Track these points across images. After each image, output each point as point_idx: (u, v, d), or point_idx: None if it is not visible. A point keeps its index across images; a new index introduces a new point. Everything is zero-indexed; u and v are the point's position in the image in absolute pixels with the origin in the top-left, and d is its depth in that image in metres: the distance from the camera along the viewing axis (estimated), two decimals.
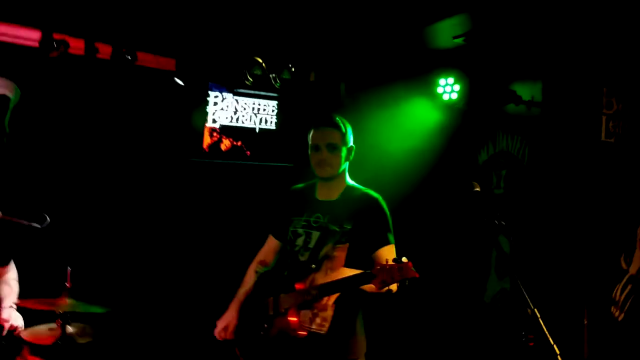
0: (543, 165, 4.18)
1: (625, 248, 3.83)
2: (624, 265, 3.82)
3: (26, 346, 2.96)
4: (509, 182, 4.54)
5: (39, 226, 2.86)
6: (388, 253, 2.51)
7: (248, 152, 4.94)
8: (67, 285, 3.08)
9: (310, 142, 2.76)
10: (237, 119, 4.88)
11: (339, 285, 2.45)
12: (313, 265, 2.59)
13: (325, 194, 2.78)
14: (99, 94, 4.09)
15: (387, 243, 2.62)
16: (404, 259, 2.23)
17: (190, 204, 4.59)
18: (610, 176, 3.85)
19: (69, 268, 3.23)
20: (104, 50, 3.82)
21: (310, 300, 2.50)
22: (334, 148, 2.69)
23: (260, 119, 4.99)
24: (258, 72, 4.36)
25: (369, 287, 2.36)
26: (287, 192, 2.96)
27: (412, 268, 2.21)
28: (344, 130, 2.74)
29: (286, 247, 2.83)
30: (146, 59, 4.13)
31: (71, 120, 4.04)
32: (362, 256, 2.59)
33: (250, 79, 4.38)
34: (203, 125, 4.68)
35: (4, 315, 3.00)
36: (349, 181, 2.80)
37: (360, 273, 2.37)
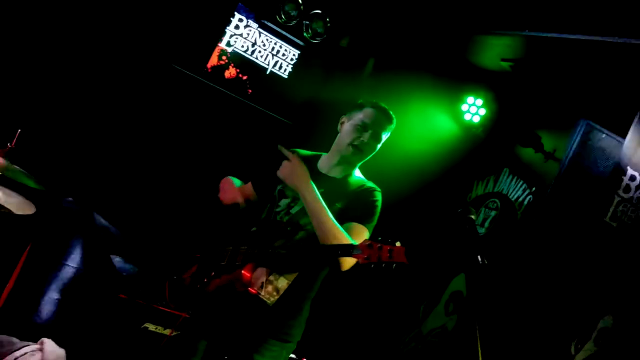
0: (534, 224, 4.02)
1: (580, 335, 3.75)
2: (572, 351, 3.75)
3: None
4: (494, 227, 4.39)
5: None
6: (358, 232, 2.43)
7: (250, 90, 4.69)
8: (10, 145, 2.85)
9: (355, 118, 2.60)
10: (253, 52, 4.62)
11: (317, 250, 2.36)
12: (289, 228, 2.47)
13: (328, 168, 2.66)
14: None
15: (363, 224, 2.50)
16: (398, 243, 2.10)
17: (170, 119, 4.35)
18: (596, 259, 3.71)
19: (19, 130, 3.01)
20: None
21: (274, 259, 2.38)
22: (378, 139, 2.59)
23: (276, 62, 4.73)
24: (293, 12, 4.11)
25: (348, 260, 2.27)
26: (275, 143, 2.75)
27: (405, 254, 2.07)
28: (393, 127, 2.64)
29: (265, 204, 2.68)
30: None
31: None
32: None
33: (283, 17, 4.13)
34: (215, 44, 4.41)
35: None
36: (356, 169, 2.69)
37: (346, 244, 2.25)
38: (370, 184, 2.63)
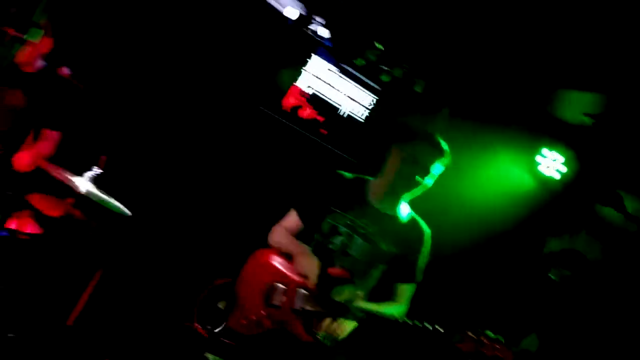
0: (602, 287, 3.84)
1: None
2: None
3: (30, 210, 2.95)
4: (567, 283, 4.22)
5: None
6: (407, 291, 2.53)
7: (324, 131, 4.81)
8: (98, 170, 3.05)
9: (406, 149, 2.53)
10: (330, 94, 4.75)
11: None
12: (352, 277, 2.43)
13: (377, 199, 2.60)
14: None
15: (414, 281, 2.58)
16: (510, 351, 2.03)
17: (240, 152, 4.50)
18: None
19: (104, 156, 3.23)
20: None
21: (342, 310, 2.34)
22: (428, 173, 2.52)
23: (352, 105, 4.85)
24: (372, 57, 4.22)
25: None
26: (330, 175, 2.74)
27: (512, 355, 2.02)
28: (446, 161, 2.57)
29: (313, 235, 2.64)
30: None
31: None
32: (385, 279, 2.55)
33: (362, 61, 4.25)
34: (291, 83, 4.58)
35: None
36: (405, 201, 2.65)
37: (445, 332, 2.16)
38: (422, 223, 2.61)
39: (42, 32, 3.00)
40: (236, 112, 4.46)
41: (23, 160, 3.12)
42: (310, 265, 2.42)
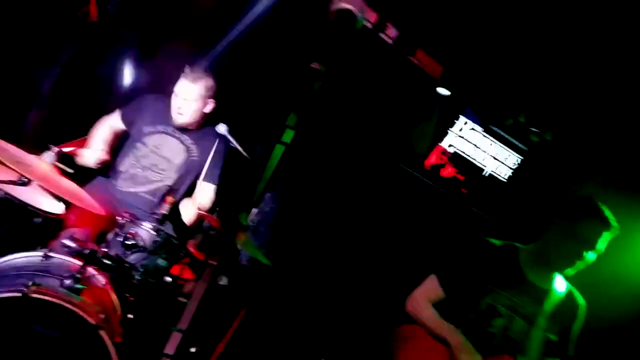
0: None
1: None
2: None
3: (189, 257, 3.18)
4: None
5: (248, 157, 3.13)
6: None
7: (464, 190, 4.73)
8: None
9: (571, 227, 2.41)
10: (473, 154, 4.69)
11: None
12: None
13: (535, 274, 2.49)
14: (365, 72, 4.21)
15: (566, 355, 2.47)
16: None
17: (379, 209, 4.55)
18: None
19: (255, 209, 3.44)
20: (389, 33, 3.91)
21: None
22: (596, 251, 2.40)
23: (495, 165, 4.74)
24: (522, 119, 4.13)
25: None
26: (480, 245, 2.61)
27: None
28: (614, 234, 2.43)
29: (467, 314, 2.52)
30: (419, 57, 4.14)
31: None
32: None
33: (510, 120, 4.17)
34: (435, 143, 4.58)
35: None
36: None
37: None
38: (576, 295, 2.49)
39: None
40: (377, 169, 4.53)
41: (187, 211, 3.38)
42: None
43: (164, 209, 2.71)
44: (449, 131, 4.60)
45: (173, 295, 2.79)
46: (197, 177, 3.40)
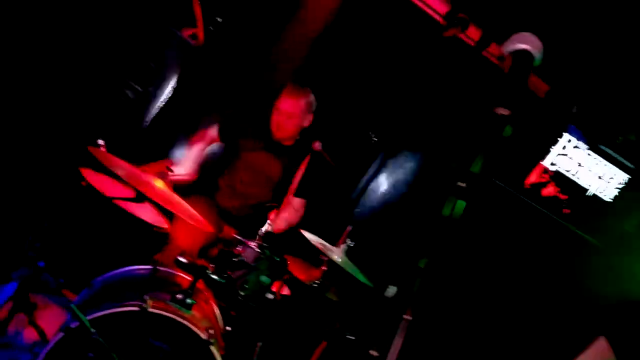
0: None
1: None
2: None
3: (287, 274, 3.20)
4: None
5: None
6: None
7: (566, 211, 4.52)
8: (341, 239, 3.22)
9: None
10: (576, 173, 4.48)
11: None
12: None
13: None
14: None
15: None
16: None
17: (482, 231, 4.42)
18: None
19: (349, 226, 3.41)
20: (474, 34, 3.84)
21: None
22: None
23: (600, 185, 4.50)
24: (632, 137, 3.91)
25: None
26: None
27: None
28: None
29: None
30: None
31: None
32: None
33: (620, 138, 3.96)
34: (537, 162, 4.42)
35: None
36: None
37: None
38: None
39: None
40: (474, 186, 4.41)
41: (278, 224, 3.43)
42: None
43: (267, 227, 2.75)
44: (551, 149, 4.42)
45: (274, 311, 2.81)
46: (288, 192, 3.45)
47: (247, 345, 3.23)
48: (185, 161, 3.57)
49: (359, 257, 3.26)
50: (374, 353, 3.00)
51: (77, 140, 3.33)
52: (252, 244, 2.70)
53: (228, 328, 2.93)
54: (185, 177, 3.48)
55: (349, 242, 3.18)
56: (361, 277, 3.13)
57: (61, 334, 2.15)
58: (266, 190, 3.58)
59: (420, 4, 3.86)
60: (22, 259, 2.61)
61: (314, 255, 3.26)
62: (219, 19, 3.67)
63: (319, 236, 3.23)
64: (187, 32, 3.50)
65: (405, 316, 1.41)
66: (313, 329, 4.04)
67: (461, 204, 1.46)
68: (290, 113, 3.46)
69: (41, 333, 2.84)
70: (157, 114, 3.79)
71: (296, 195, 3.44)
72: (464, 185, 1.45)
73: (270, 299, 2.77)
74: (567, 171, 4.47)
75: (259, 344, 3.01)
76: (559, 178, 4.46)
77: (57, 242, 2.81)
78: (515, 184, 4.45)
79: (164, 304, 2.38)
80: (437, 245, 1.44)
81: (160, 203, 2.58)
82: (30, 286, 2.59)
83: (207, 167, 3.67)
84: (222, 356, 2.40)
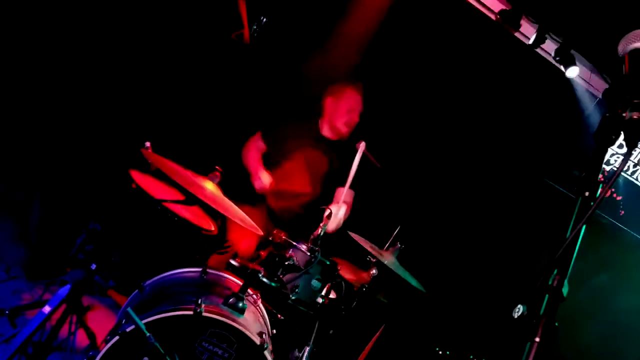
0: None
1: None
2: None
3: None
4: None
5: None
6: None
7: (622, 212, 4.37)
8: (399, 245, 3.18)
9: None
10: (634, 173, 4.33)
11: None
12: None
13: None
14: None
15: None
16: None
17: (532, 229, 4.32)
18: None
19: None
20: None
21: None
22: None
23: None
24: None
25: None
26: None
27: None
28: None
29: None
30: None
31: None
32: None
33: None
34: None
35: None
36: None
37: None
38: None
39: None
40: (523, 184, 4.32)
41: (331, 223, 3.38)
42: None
43: (319, 230, 2.71)
44: (609, 149, 4.26)
45: (324, 315, 2.78)
46: (337, 190, 3.42)
47: (294, 349, 3.23)
48: (260, 170, 3.50)
49: (410, 260, 3.22)
50: None
51: (126, 142, 3.36)
52: (303, 247, 2.67)
53: (274, 331, 2.92)
54: (267, 182, 3.44)
55: (399, 245, 3.13)
56: (413, 281, 3.08)
57: (116, 337, 2.15)
58: (315, 188, 3.56)
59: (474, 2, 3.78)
60: (74, 261, 2.64)
61: (362, 258, 3.22)
62: (263, 19, 3.66)
63: (368, 239, 3.19)
64: (235, 33, 3.51)
65: (535, 339, 1.35)
66: (361, 332, 4.02)
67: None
68: (355, 109, 3.46)
69: (91, 335, 2.87)
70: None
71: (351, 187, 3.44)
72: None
73: (320, 303, 2.74)
74: (624, 171, 4.32)
75: (307, 347, 3.00)
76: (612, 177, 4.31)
77: (107, 245, 2.82)
78: (568, 184, 4.33)
79: (217, 307, 2.37)
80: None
81: (211, 205, 2.57)
82: (83, 288, 2.61)
83: None
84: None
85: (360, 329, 3.97)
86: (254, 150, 3.60)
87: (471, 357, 3.73)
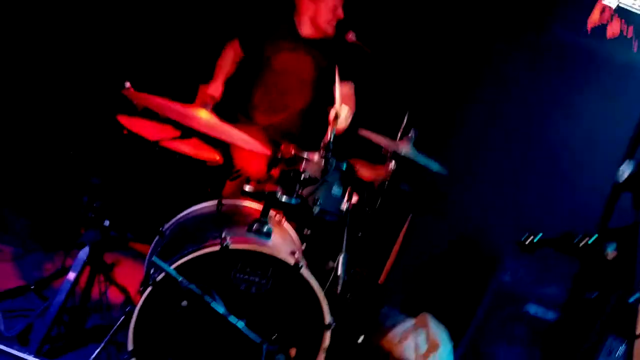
0: None
1: None
2: None
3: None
4: None
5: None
6: None
7: (636, 45, 4.19)
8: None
9: None
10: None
11: None
12: None
13: None
14: None
15: None
16: None
17: None
18: None
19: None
20: None
21: None
22: None
23: None
24: None
25: None
26: None
27: None
28: None
29: None
30: None
31: None
32: None
33: None
34: None
35: None
36: None
37: None
38: None
39: None
40: None
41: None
42: None
43: (329, 136, 2.62)
44: None
45: (351, 220, 2.75)
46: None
47: (328, 260, 3.25)
48: (213, 81, 3.40)
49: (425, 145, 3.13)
50: None
51: (105, 87, 3.21)
52: (315, 157, 2.60)
53: (304, 245, 2.93)
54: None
55: (412, 132, 3.05)
56: (435, 166, 3.03)
57: (150, 288, 2.15)
58: (305, 94, 3.45)
59: None
60: (86, 221, 2.60)
61: (378, 154, 3.15)
62: None
63: (379, 132, 3.11)
64: None
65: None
66: (389, 227, 4.04)
67: None
68: (338, 4, 3.30)
69: (124, 290, 2.90)
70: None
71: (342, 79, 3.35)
72: None
73: (345, 210, 2.70)
74: (631, 5, 4.11)
75: (341, 255, 3.01)
76: (622, 12, 4.10)
77: (115, 197, 2.77)
78: (577, 28, 4.12)
79: (242, 237, 2.35)
80: None
81: (210, 134, 2.49)
82: (102, 247, 2.59)
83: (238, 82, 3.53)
84: None
85: (387, 225, 3.98)
86: (224, 58, 3.44)
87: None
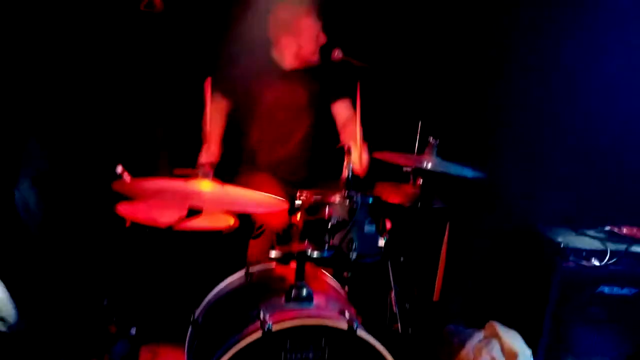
0: None
1: None
2: None
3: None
4: None
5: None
6: None
7: None
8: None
9: None
10: None
11: None
12: None
13: None
14: None
15: None
16: None
17: None
18: None
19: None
20: None
21: None
22: None
23: None
24: None
25: None
26: None
27: None
28: None
29: None
30: None
31: None
32: None
33: None
34: None
35: None
36: None
37: None
38: None
39: None
40: None
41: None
42: None
43: (347, 172, 2.39)
44: None
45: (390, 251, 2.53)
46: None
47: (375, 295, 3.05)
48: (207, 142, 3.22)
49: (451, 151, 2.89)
50: None
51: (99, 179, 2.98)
52: (337, 198, 2.36)
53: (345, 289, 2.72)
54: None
55: (432, 140, 2.81)
56: (468, 172, 2.78)
57: None
58: (303, 120, 3.32)
59: None
60: (110, 336, 2.39)
61: (400, 172, 2.93)
62: None
63: (396, 150, 2.88)
64: (143, 3, 3.07)
65: None
66: (430, 244, 3.82)
67: None
68: (319, 32, 3.18)
69: None
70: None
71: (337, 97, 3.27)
72: None
73: (383, 244, 2.47)
74: None
75: (392, 291, 2.82)
76: None
77: (133, 295, 2.57)
78: None
79: (282, 311, 2.11)
80: None
81: (219, 206, 2.27)
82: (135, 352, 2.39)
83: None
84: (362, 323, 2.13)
85: (427, 242, 3.76)
86: (212, 115, 3.26)
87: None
